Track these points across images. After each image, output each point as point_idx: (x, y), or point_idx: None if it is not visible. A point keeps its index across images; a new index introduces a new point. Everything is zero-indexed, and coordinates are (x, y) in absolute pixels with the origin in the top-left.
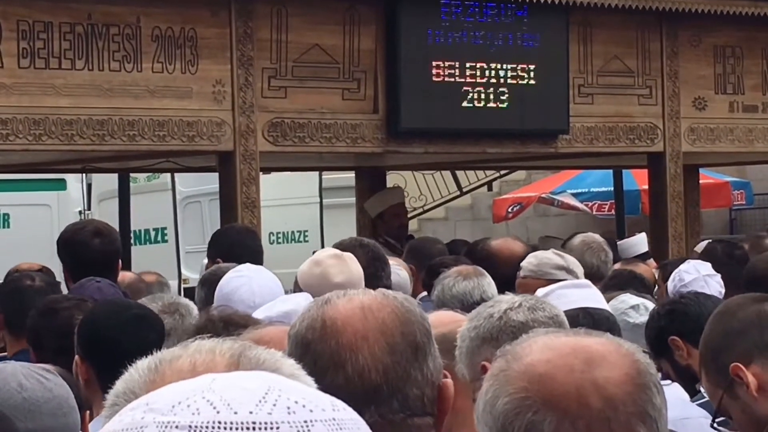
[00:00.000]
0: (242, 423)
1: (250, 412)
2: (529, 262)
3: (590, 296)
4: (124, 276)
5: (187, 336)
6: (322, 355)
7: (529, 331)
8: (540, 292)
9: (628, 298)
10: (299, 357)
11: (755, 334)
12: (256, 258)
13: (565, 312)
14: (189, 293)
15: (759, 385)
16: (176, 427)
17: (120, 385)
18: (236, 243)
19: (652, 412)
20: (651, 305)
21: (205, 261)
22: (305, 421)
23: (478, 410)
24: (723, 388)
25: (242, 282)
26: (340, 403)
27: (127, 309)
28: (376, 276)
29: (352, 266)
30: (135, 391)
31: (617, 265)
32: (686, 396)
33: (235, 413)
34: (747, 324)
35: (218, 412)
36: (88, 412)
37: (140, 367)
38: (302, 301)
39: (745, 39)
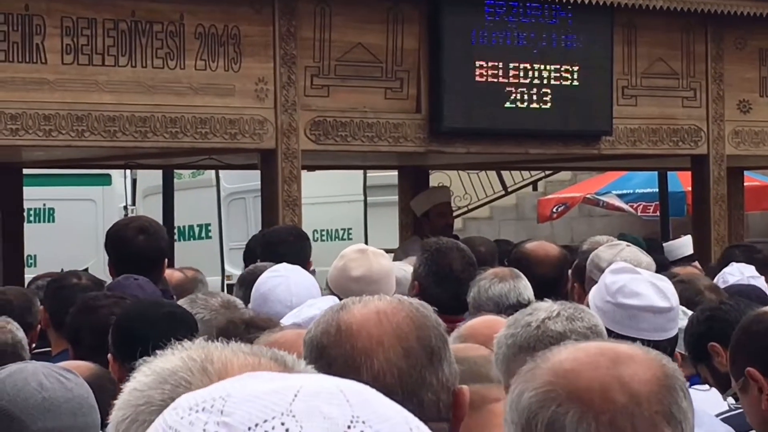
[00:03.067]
0: None
1: None
2: None
3: None
4: (171, 275)
5: (208, 336)
6: (336, 359)
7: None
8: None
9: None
10: (314, 361)
11: None
12: (302, 261)
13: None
14: (232, 289)
15: None
16: None
17: (166, 364)
18: (283, 244)
19: (677, 414)
20: (688, 311)
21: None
22: None
23: (505, 409)
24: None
25: (279, 281)
26: (415, 425)
27: (158, 307)
28: (468, 281)
29: (373, 261)
30: (189, 380)
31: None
32: (722, 404)
33: None
34: None
35: None
36: None
37: (188, 353)
38: (328, 304)
39: None
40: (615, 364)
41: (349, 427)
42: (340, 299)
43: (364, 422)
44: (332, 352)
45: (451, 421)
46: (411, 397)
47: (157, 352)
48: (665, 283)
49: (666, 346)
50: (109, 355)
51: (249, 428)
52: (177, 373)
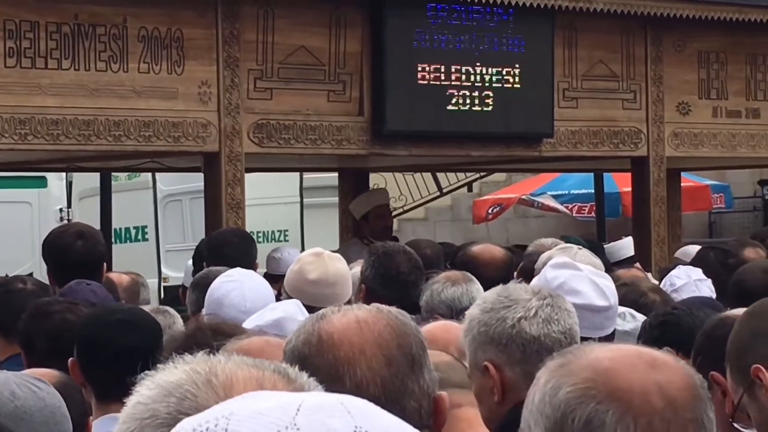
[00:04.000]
0: None
1: None
2: None
3: None
4: (120, 278)
5: (175, 342)
6: (319, 369)
7: (540, 348)
8: None
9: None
10: None
11: None
12: (251, 266)
13: None
14: (169, 292)
15: None
16: None
17: (169, 377)
18: (233, 248)
19: (707, 424)
20: (636, 313)
21: (189, 262)
22: None
23: (532, 403)
24: (744, 387)
25: (233, 287)
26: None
27: (118, 312)
28: (415, 284)
29: (329, 264)
30: (194, 393)
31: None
32: None
33: None
34: None
35: None
36: (91, 417)
37: (192, 366)
38: (291, 308)
39: (729, 44)
40: (653, 368)
41: None
42: (305, 304)
43: (367, 430)
44: (315, 362)
45: (432, 428)
46: (394, 404)
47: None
48: (605, 281)
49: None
50: (71, 361)
51: None
52: (182, 386)
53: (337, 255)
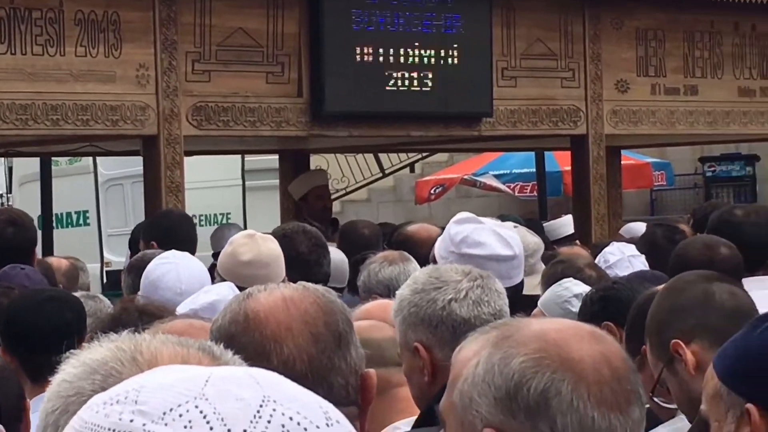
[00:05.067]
0: None
1: (244, 431)
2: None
3: None
4: (59, 263)
5: (101, 324)
6: (246, 347)
7: (470, 329)
8: None
9: (572, 286)
10: None
11: (699, 313)
12: (191, 247)
13: None
14: (111, 276)
15: (697, 364)
16: None
17: (94, 355)
18: (174, 229)
19: (641, 394)
20: (579, 282)
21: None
22: None
23: (474, 375)
24: (664, 362)
25: (168, 269)
26: (333, 414)
27: (40, 294)
28: (318, 263)
29: (262, 246)
30: (119, 370)
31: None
32: None
33: (229, 431)
34: (692, 302)
35: (211, 429)
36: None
37: (117, 344)
38: (225, 291)
39: (666, 22)
40: (595, 338)
41: (261, 406)
42: (239, 286)
43: (275, 401)
44: (241, 340)
45: (359, 405)
46: (321, 381)
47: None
48: (509, 232)
49: (511, 295)
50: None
51: (164, 413)
52: (107, 364)
53: (270, 236)
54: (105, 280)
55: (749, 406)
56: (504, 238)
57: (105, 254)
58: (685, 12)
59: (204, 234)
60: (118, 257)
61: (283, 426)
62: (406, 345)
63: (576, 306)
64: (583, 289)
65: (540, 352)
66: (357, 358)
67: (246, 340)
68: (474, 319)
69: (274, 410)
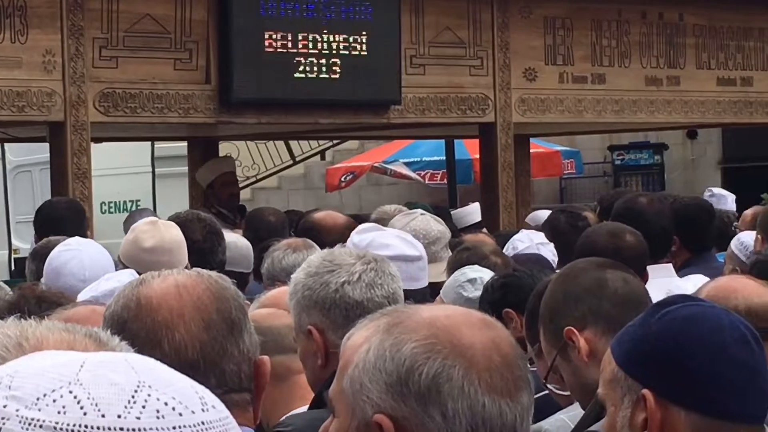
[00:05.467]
0: (109, 428)
1: (118, 416)
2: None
3: None
4: None
5: None
6: (138, 333)
7: (363, 312)
8: None
9: (468, 271)
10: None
11: (592, 300)
12: (81, 231)
13: None
14: (19, 264)
15: (590, 351)
16: (40, 426)
17: None
18: (58, 220)
19: (529, 380)
20: (486, 279)
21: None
22: (174, 427)
23: (365, 360)
24: (557, 349)
25: (72, 255)
26: (209, 399)
27: None
28: (212, 250)
29: (165, 233)
30: (4, 356)
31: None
32: None
33: (103, 416)
34: (586, 290)
35: (85, 414)
36: None
37: (3, 330)
38: (125, 278)
39: (574, 10)
40: (485, 325)
41: (135, 391)
42: (139, 273)
43: (150, 386)
44: (133, 327)
45: (252, 392)
46: (213, 368)
47: None
48: (411, 237)
49: (420, 298)
50: None
51: (38, 398)
52: None
53: (172, 223)
54: (13, 267)
55: (645, 391)
56: (408, 240)
57: (13, 241)
58: (592, 1)
59: (115, 221)
60: (26, 244)
61: (158, 411)
62: (300, 328)
63: (469, 291)
64: (480, 274)
65: (431, 338)
66: (250, 344)
67: (138, 326)
68: (367, 302)
69: (149, 395)
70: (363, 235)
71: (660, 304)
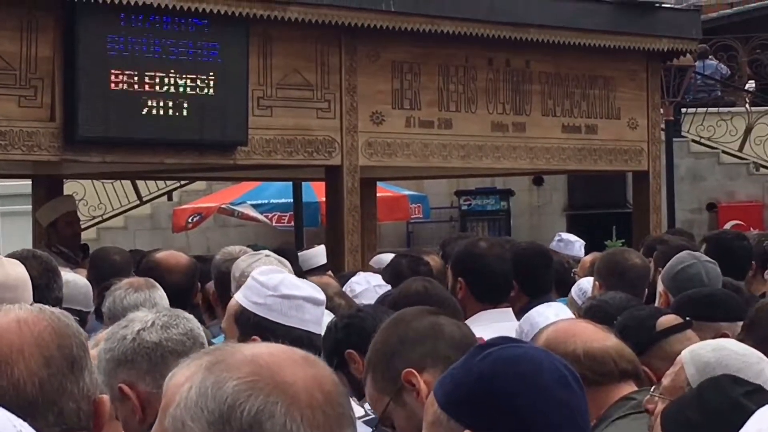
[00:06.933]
0: None
1: None
2: None
3: None
4: None
5: None
6: None
7: (164, 352)
8: None
9: None
10: None
11: (429, 343)
12: None
13: None
14: None
15: (429, 393)
16: None
17: None
18: None
19: (354, 419)
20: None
21: None
22: None
23: (187, 399)
24: (390, 394)
25: None
26: (19, 422)
27: None
28: (48, 287)
29: (9, 269)
30: None
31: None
32: (360, 409)
33: None
34: (422, 334)
35: None
36: None
37: None
38: None
39: (421, 55)
40: (307, 363)
41: None
42: None
43: None
44: None
45: (91, 430)
46: (51, 405)
47: None
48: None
49: (318, 345)
50: None
51: None
52: None
53: (16, 261)
54: None
55: None
56: (312, 285)
57: None
58: (440, 46)
59: None
60: None
61: None
62: (113, 395)
63: None
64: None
65: (253, 375)
66: (91, 383)
67: None
68: (165, 341)
69: None
70: (270, 275)
71: (481, 346)
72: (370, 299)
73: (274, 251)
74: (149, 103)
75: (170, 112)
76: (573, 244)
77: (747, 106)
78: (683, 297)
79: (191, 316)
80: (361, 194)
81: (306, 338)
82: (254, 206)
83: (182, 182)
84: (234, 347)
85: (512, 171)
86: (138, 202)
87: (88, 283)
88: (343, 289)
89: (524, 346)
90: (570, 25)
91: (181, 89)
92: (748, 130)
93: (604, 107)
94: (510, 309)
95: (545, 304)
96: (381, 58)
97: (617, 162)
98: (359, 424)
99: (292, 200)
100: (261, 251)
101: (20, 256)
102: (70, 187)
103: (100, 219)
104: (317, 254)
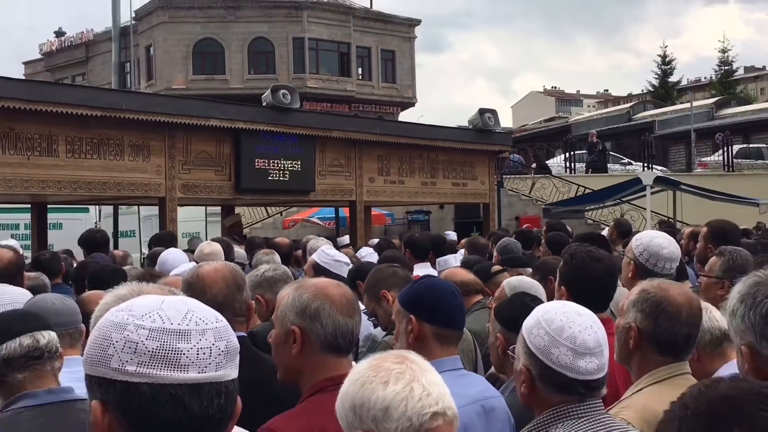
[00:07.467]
0: (171, 330)
1: (178, 324)
2: None
3: None
4: None
5: None
6: (194, 293)
7: (276, 280)
8: None
9: None
10: None
11: (392, 279)
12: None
13: None
14: None
15: (392, 301)
16: (143, 328)
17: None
18: None
19: (360, 309)
20: None
21: None
22: (203, 330)
23: (286, 304)
24: (375, 302)
25: (167, 257)
26: (221, 318)
27: None
28: (228, 255)
29: (213, 246)
30: (132, 297)
31: None
32: None
33: (171, 323)
34: (389, 274)
35: (163, 322)
36: None
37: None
38: (188, 267)
39: (392, 154)
40: (339, 286)
41: (186, 313)
42: None
43: (193, 311)
44: (192, 293)
45: (246, 317)
46: (229, 306)
47: None
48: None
49: (344, 279)
50: None
51: (143, 315)
52: None
53: (216, 242)
54: None
55: (411, 316)
56: (343, 255)
57: None
58: (402, 149)
59: None
60: None
61: (197, 322)
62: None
63: None
64: None
65: (315, 291)
66: (246, 295)
67: (193, 291)
68: (276, 275)
69: (193, 314)
70: (328, 249)
71: (420, 278)
72: (369, 259)
73: (327, 238)
74: (271, 174)
75: (281, 177)
76: (449, 235)
77: (533, 174)
78: (505, 258)
79: (286, 267)
80: (363, 213)
81: (341, 278)
82: (319, 218)
83: (286, 207)
84: (326, 280)
85: (430, 203)
86: (267, 216)
87: (244, 252)
88: (356, 254)
89: (437, 278)
90: (457, 138)
91: (286, 166)
92: (533, 184)
93: (469, 174)
94: (429, 264)
95: (448, 257)
96: (367, 155)
97: (475, 198)
98: (366, 321)
99: (334, 215)
100: (320, 238)
101: (218, 240)
102: (238, 209)
103: (250, 224)
104: (345, 240)
